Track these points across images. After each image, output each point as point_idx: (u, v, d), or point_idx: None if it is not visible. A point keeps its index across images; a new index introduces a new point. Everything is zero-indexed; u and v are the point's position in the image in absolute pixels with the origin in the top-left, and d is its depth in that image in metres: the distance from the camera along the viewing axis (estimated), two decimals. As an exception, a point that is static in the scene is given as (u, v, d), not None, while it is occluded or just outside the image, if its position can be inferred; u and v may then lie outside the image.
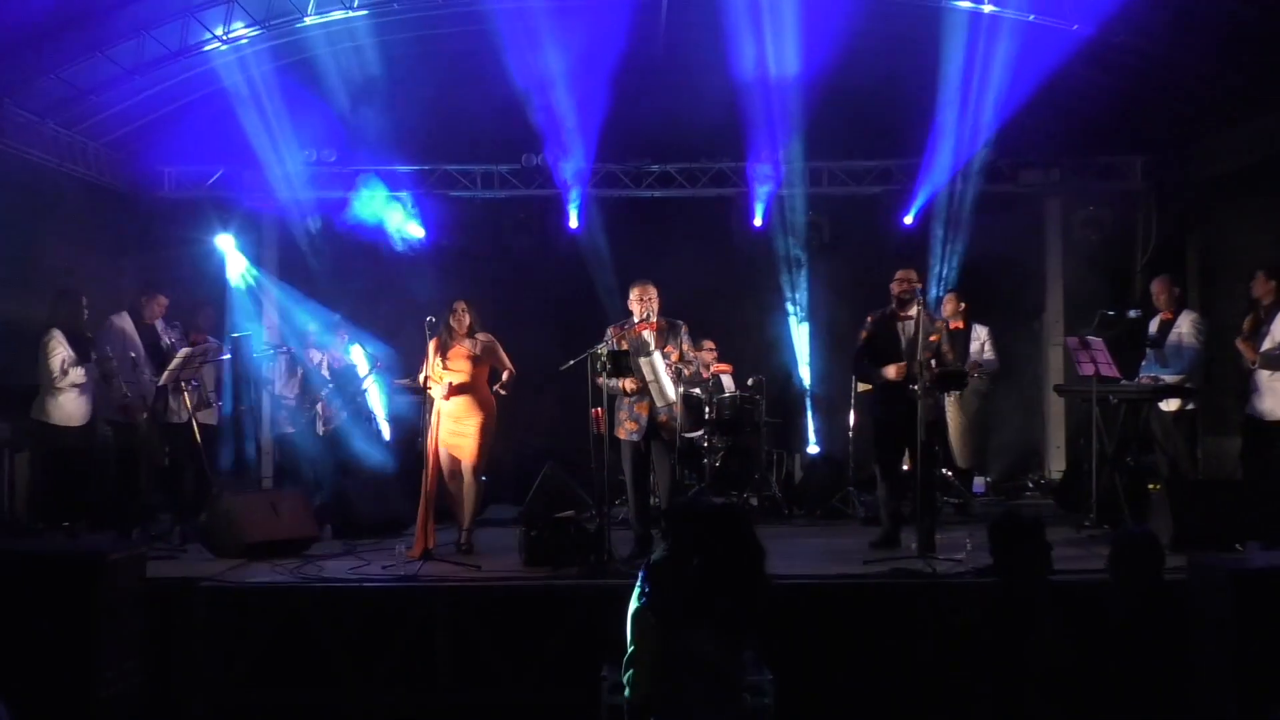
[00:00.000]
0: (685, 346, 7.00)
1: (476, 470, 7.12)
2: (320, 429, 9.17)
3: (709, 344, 9.70)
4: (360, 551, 7.13)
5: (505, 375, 7.09)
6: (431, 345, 6.99)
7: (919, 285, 6.98)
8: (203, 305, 9.00)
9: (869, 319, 7.13)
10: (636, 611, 4.05)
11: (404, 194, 10.41)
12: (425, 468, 6.85)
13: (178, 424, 7.87)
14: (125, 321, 7.83)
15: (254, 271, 10.24)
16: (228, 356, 8.70)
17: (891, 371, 6.73)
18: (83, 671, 4.82)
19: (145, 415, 7.57)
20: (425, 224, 10.65)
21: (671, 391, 6.74)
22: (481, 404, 7.11)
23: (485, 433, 7.10)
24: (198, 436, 7.63)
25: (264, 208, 10.45)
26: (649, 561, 4.18)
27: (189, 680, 5.85)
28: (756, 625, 4.10)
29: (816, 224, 10.54)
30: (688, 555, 3.98)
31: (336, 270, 10.32)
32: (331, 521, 7.69)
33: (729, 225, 10.76)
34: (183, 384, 7.67)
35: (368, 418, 9.41)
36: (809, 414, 10.02)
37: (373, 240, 10.38)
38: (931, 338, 6.83)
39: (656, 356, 6.77)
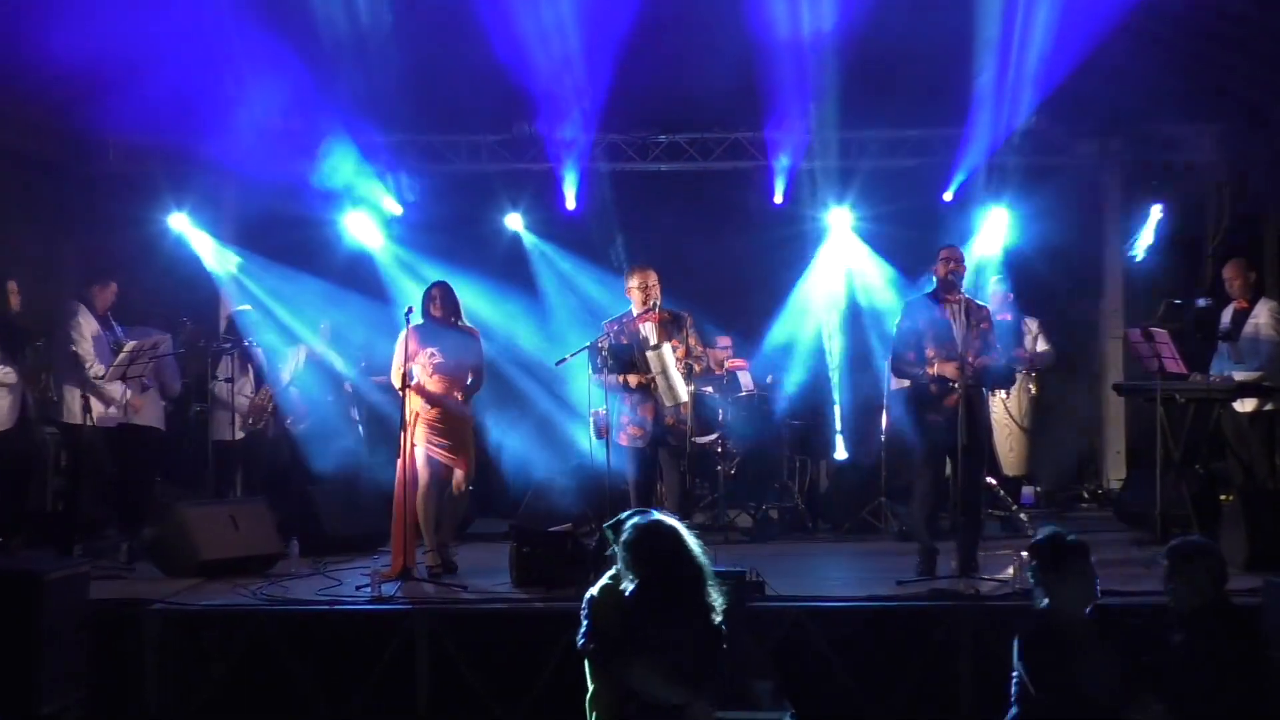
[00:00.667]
0: (693, 341, 7.01)
1: (470, 479, 7.14)
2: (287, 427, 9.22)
3: (723, 340, 9.70)
4: (330, 570, 7.13)
5: (469, 379, 7.06)
6: (404, 336, 6.95)
7: (963, 268, 6.90)
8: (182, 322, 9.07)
9: (908, 304, 7.08)
10: (580, 649, 4.08)
11: (380, 167, 10.46)
12: (402, 476, 6.85)
13: (126, 427, 7.87)
14: (86, 315, 7.83)
15: (231, 254, 10.29)
16: (184, 350, 8.72)
17: (950, 370, 6.62)
18: (20, 703, 4.83)
19: (90, 419, 7.58)
20: (403, 200, 10.67)
21: (682, 390, 6.75)
22: (465, 413, 7.13)
23: (470, 441, 7.13)
24: (134, 441, 7.63)
25: (224, 182, 10.47)
26: (589, 594, 4.19)
27: (140, 713, 5.84)
28: (709, 659, 4.08)
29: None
30: (620, 581, 4.00)
31: (305, 252, 10.36)
32: (298, 536, 7.70)
33: (746, 202, 10.78)
34: (130, 382, 7.68)
35: (346, 418, 9.47)
36: (836, 415, 10.03)
37: (345, 219, 10.42)
38: (982, 325, 6.79)
39: (666, 349, 6.77)
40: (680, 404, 6.79)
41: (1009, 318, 9.05)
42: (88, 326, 7.71)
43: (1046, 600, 4.41)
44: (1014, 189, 10.43)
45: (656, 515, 4.29)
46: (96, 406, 7.58)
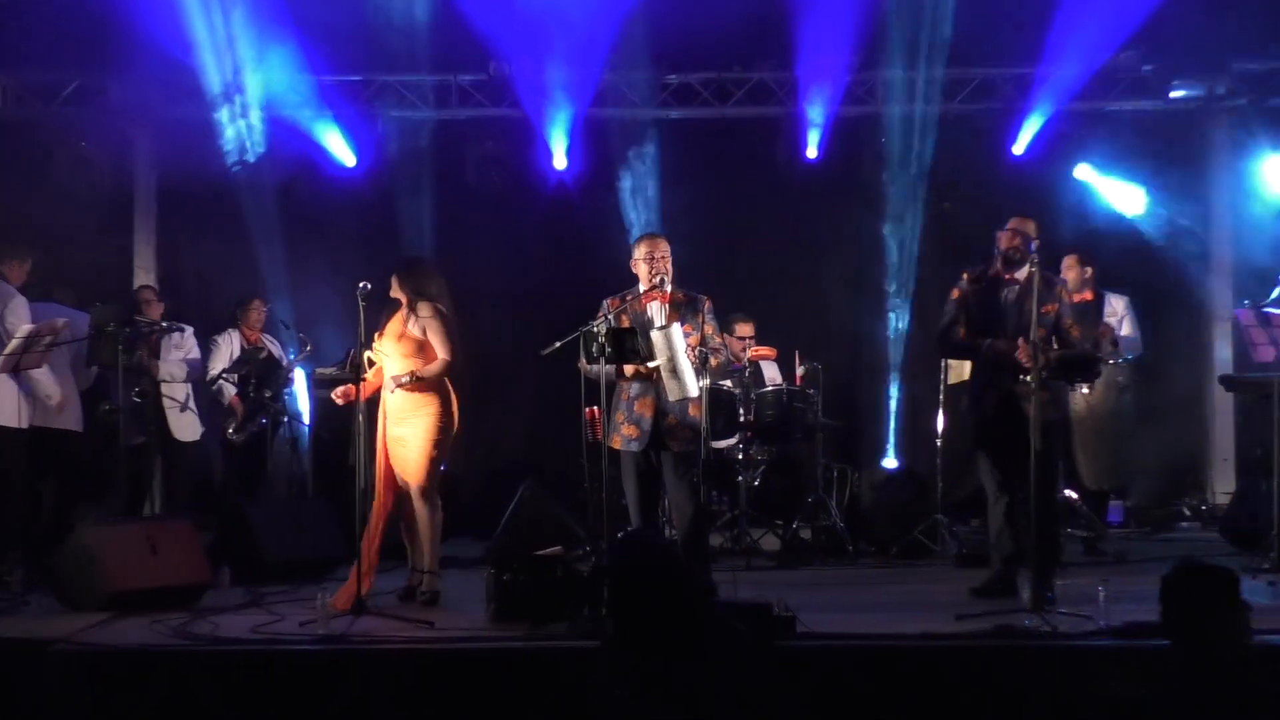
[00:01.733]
0: (709, 328, 7.02)
1: (426, 492, 7.11)
2: (231, 434, 9.28)
3: (744, 325, 9.67)
4: (269, 603, 7.12)
5: (434, 364, 7.04)
6: (361, 319, 6.88)
7: (1036, 240, 6.92)
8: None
9: (965, 276, 7.10)
10: None
11: (329, 113, 10.47)
12: (360, 487, 6.86)
13: (44, 432, 7.92)
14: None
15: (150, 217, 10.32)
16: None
17: (1023, 355, 6.57)
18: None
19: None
20: (358, 153, 10.67)
21: (693, 383, 6.74)
22: (429, 399, 7.10)
23: (436, 437, 7.08)
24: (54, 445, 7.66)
25: (138, 131, 10.46)
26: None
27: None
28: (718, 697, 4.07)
29: (948, 212, 10.51)
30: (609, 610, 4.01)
31: (236, 215, 10.40)
32: (230, 562, 7.69)
33: (772, 157, 10.78)
34: (29, 372, 7.71)
35: (289, 419, 9.53)
36: (889, 414, 10.03)
37: (288, 175, 10.43)
38: (1045, 308, 6.75)
39: (676, 331, 6.78)
40: (689, 400, 6.80)
41: (1090, 297, 9.03)
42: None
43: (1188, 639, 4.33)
44: (1098, 142, 10.39)
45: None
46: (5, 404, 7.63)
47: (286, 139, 10.53)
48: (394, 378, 7.00)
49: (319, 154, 10.71)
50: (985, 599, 6.78)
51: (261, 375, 9.36)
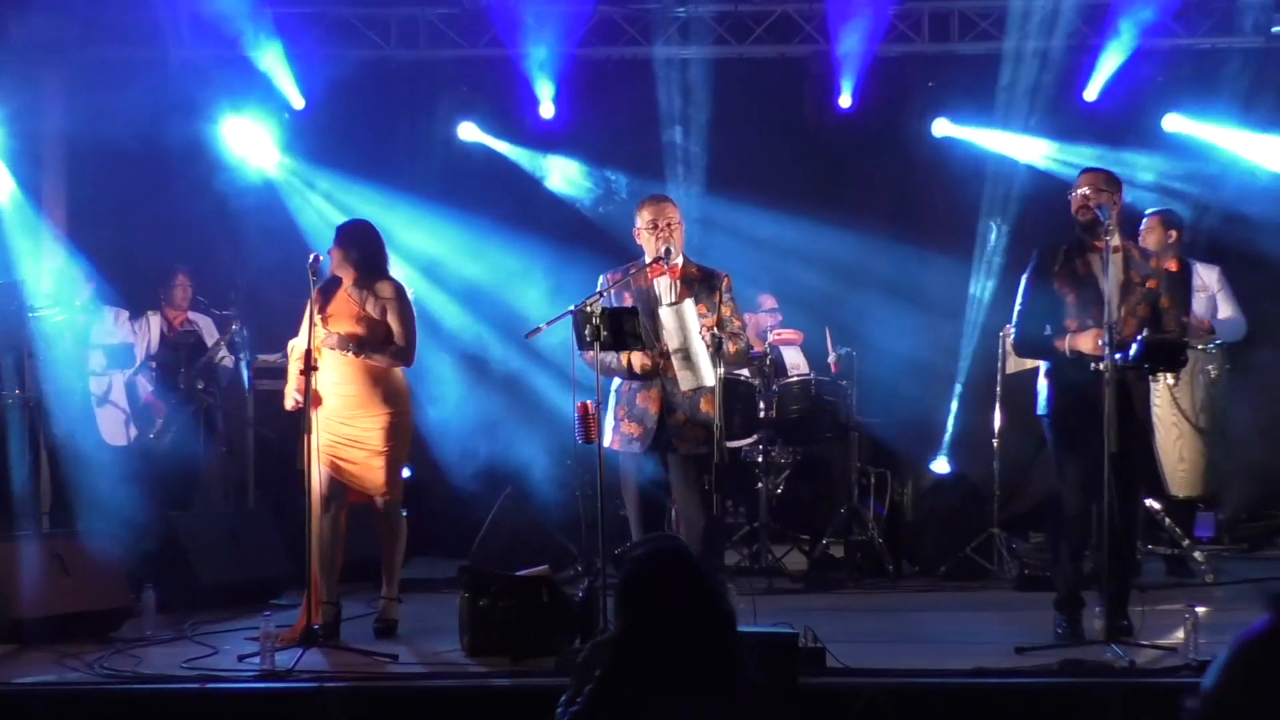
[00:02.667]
0: (727, 310, 7.04)
1: (392, 501, 7.15)
2: (151, 434, 9.28)
3: (767, 302, 9.65)
4: (202, 633, 7.14)
5: (394, 349, 7.12)
6: (312, 297, 6.92)
7: (1116, 199, 6.83)
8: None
9: (1039, 254, 7.01)
10: None
11: (275, 47, 10.45)
12: (314, 495, 6.90)
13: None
14: None
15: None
16: None
17: (1088, 343, 6.55)
18: None
19: None
20: (307, 95, 10.65)
21: (709, 370, 6.71)
22: (387, 394, 7.15)
23: (398, 438, 7.12)
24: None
25: (48, 73, 10.44)
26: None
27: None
28: None
29: None
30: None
31: (158, 174, 10.36)
32: (155, 585, 7.69)
33: (798, 105, 10.73)
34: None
35: (215, 413, 9.54)
36: (943, 408, 10.03)
37: (221, 122, 10.42)
38: (1149, 283, 6.79)
39: (689, 308, 6.77)
40: (704, 390, 6.78)
41: (1174, 267, 8.99)
42: None
43: None
44: (1187, 86, 10.35)
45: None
46: None
47: (224, 79, 10.54)
48: (341, 337, 6.99)
49: (263, 96, 10.73)
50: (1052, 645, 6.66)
51: (190, 363, 9.38)
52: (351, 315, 7.10)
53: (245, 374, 9.66)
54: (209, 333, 9.64)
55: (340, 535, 7.15)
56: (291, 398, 7.09)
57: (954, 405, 10.22)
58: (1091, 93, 10.58)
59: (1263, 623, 3.37)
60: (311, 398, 6.80)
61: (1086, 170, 7.03)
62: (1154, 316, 6.78)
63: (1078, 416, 6.73)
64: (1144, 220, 9.04)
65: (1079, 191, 6.90)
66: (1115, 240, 6.67)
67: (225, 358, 9.57)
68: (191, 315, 9.67)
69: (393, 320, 7.11)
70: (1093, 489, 6.73)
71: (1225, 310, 9.09)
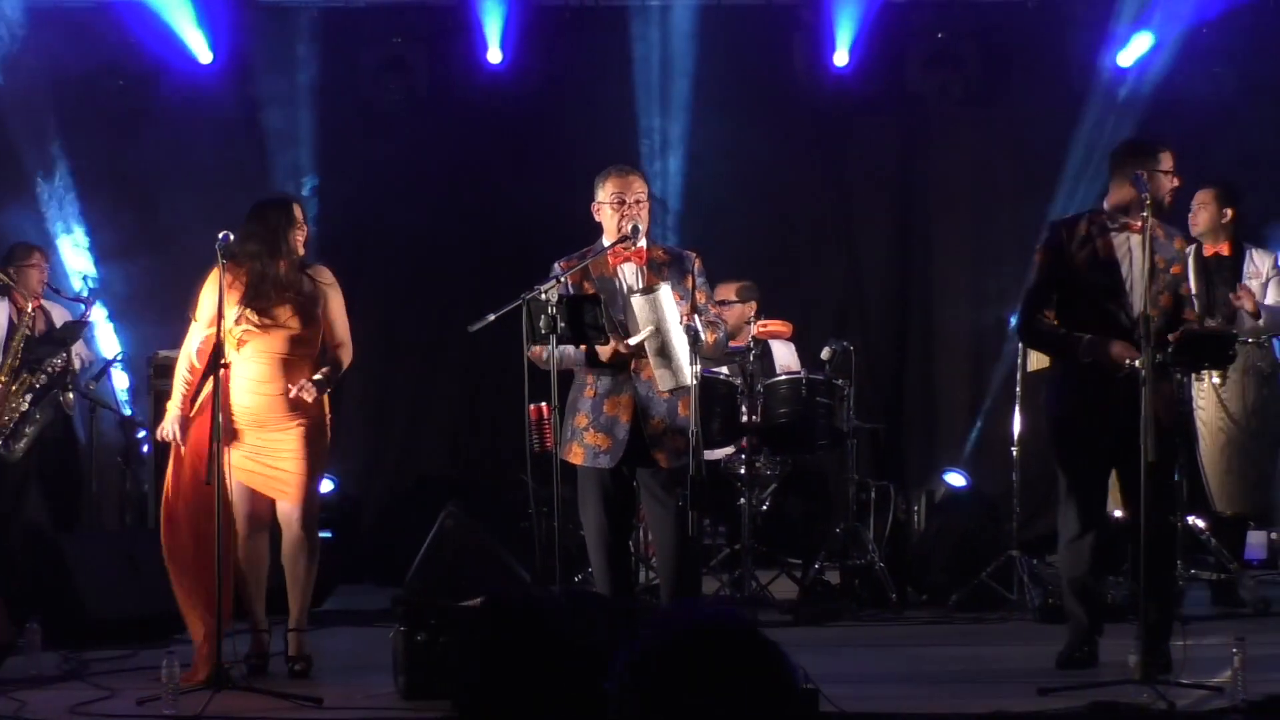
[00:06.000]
0: (701, 295, 7.07)
1: (308, 518, 7.14)
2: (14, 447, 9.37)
3: (743, 287, 9.62)
4: (94, 672, 7.13)
5: (327, 365, 7.16)
6: (218, 282, 6.85)
7: (1172, 174, 6.81)
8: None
9: (1052, 227, 7.01)
10: None
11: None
12: (217, 518, 6.79)
13: None
14: None
15: None
16: None
17: (1118, 347, 6.63)
18: None
19: None
20: (215, 47, 10.65)
21: (688, 366, 6.65)
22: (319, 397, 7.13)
23: (314, 448, 7.13)
24: None
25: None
26: None
27: None
28: None
29: None
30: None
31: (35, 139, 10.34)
32: (39, 617, 7.58)
33: (786, 63, 10.74)
34: None
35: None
36: (957, 412, 10.04)
37: (105, 74, 10.55)
38: (1174, 269, 6.77)
39: (665, 294, 6.69)
40: (683, 391, 6.69)
41: (1227, 250, 9.02)
42: None
43: None
44: (1235, 50, 10.39)
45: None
46: None
47: (107, 23, 10.52)
48: (308, 382, 7.03)
49: (160, 47, 10.74)
50: (1075, 668, 6.81)
51: (46, 357, 9.48)
52: (286, 305, 7.06)
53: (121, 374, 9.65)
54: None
55: (291, 559, 7.21)
56: (169, 427, 7.05)
57: (969, 407, 10.22)
58: (1124, 56, 10.85)
59: None
60: (220, 403, 6.75)
61: (1132, 142, 7.17)
62: (1175, 306, 6.83)
63: (1088, 420, 6.75)
64: (1198, 194, 9.05)
65: (1126, 163, 6.88)
66: (1148, 223, 6.71)
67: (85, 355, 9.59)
68: (49, 303, 9.62)
69: (336, 314, 7.18)
70: (1094, 509, 6.82)
71: (1274, 296, 9.09)
